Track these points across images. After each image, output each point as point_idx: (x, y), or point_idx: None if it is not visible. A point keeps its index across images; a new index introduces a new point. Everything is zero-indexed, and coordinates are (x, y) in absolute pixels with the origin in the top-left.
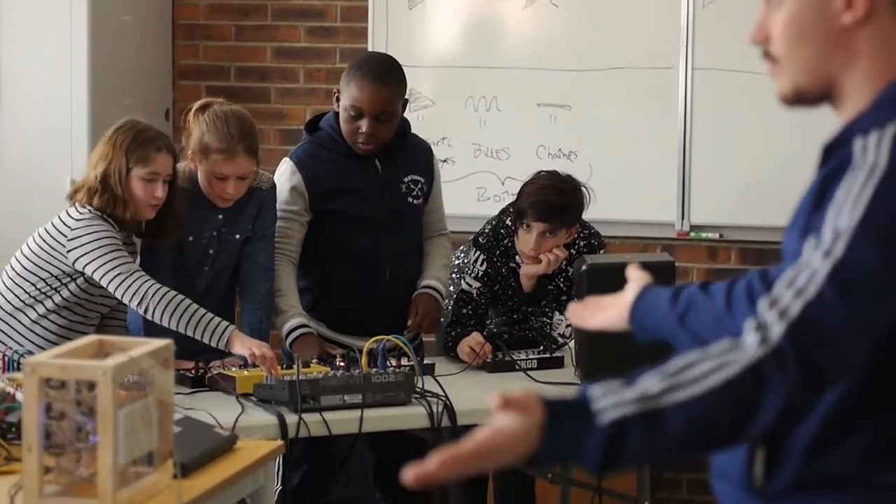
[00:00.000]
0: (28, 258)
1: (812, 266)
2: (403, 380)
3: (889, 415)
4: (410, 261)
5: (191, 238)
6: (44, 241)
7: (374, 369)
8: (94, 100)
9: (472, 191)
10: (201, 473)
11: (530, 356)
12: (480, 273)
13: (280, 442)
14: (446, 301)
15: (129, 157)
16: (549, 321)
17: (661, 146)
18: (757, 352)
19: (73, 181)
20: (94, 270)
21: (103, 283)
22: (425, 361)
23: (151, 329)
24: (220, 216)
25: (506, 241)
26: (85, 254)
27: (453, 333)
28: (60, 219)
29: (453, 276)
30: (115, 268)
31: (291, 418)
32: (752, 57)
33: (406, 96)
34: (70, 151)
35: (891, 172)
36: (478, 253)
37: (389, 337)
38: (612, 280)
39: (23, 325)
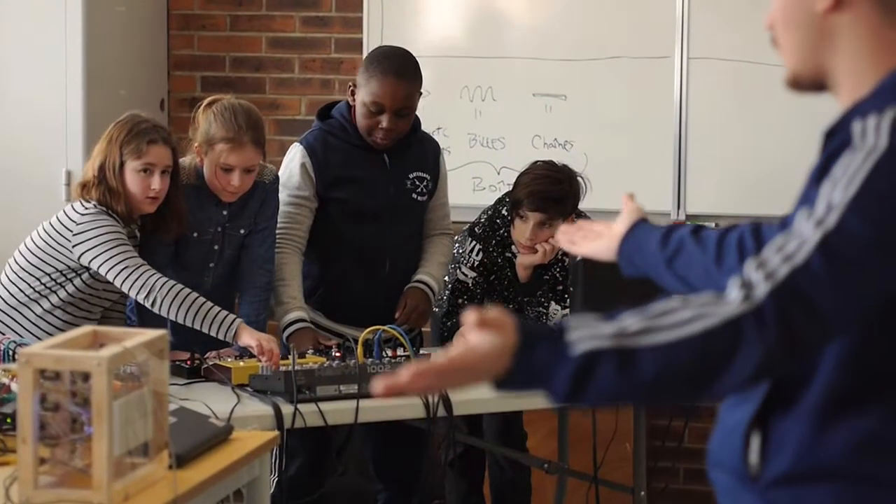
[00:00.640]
0: (33, 253)
1: (803, 235)
2: (399, 370)
3: (880, 407)
4: (411, 255)
5: (195, 234)
6: (49, 235)
7: (370, 360)
8: (88, 91)
9: (467, 180)
10: (197, 464)
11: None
12: (476, 263)
13: (276, 432)
14: (438, 298)
15: (122, 150)
16: (544, 311)
17: (656, 136)
18: (739, 307)
19: (68, 172)
20: (101, 265)
21: (109, 277)
22: (421, 352)
23: (145, 320)
24: (225, 212)
25: (501, 231)
26: (90, 248)
27: (449, 324)
28: (66, 213)
29: (448, 266)
30: (121, 262)
31: (287, 409)
32: (747, 46)
33: (420, 90)
34: (65, 143)
35: (889, 154)
36: (473, 243)
37: (385, 327)
38: (607, 269)
39: (28, 319)
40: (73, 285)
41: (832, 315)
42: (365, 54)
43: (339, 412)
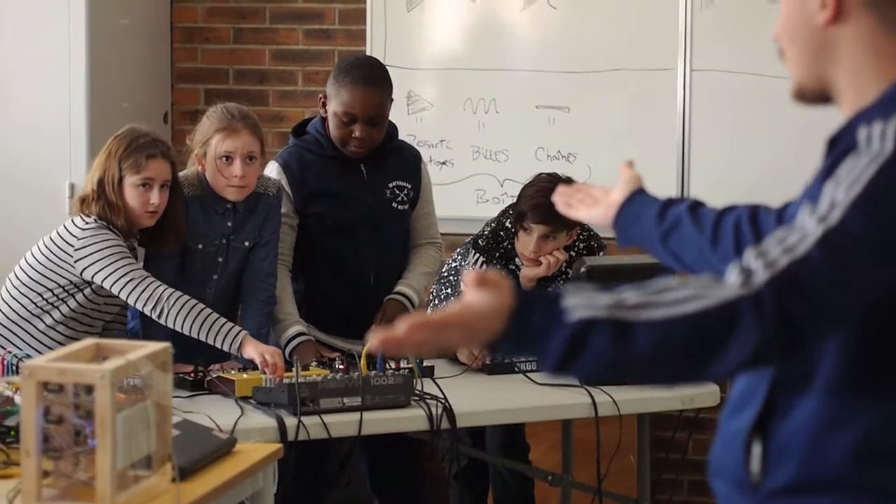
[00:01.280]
0: (34, 268)
1: (805, 229)
2: (402, 382)
3: (880, 413)
4: (396, 266)
5: (200, 246)
6: (50, 251)
7: (374, 372)
8: (92, 103)
9: (471, 193)
10: (200, 477)
11: (530, 358)
12: None
13: (279, 445)
14: (434, 298)
15: (121, 164)
16: None
17: (659, 148)
18: (737, 291)
19: (71, 185)
20: (104, 279)
21: (114, 290)
22: (424, 364)
23: (148, 333)
24: (229, 223)
25: (505, 244)
26: (93, 263)
27: None
28: (66, 229)
29: (451, 277)
30: (125, 275)
31: (290, 421)
32: (750, 59)
33: (391, 96)
34: (69, 155)
35: (894, 158)
36: (477, 255)
37: None
38: (610, 282)
39: (30, 335)
40: (76, 300)
41: (828, 308)
42: None
43: (342, 424)
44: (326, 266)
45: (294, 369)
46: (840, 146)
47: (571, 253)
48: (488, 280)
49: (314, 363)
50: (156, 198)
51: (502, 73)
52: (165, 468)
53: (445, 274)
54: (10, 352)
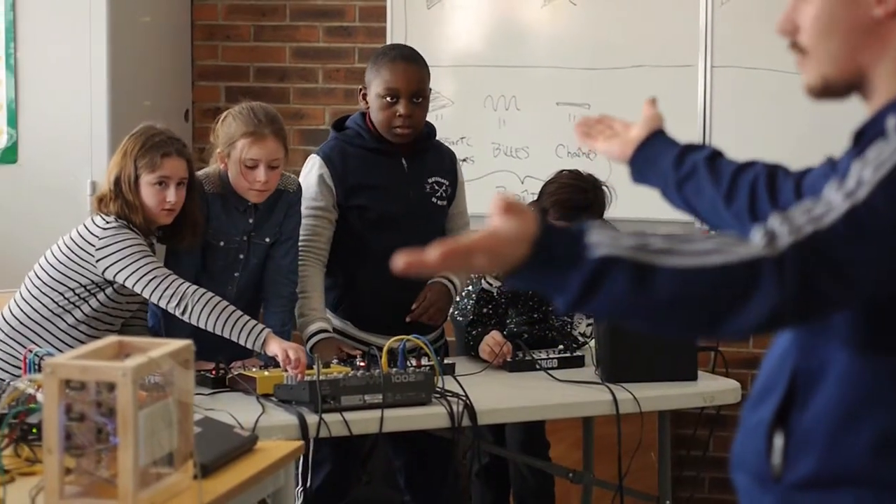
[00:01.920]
0: (54, 267)
1: (831, 203)
2: (423, 380)
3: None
4: None
5: (221, 243)
6: (70, 250)
7: (395, 369)
8: (113, 101)
9: (491, 190)
10: (222, 474)
11: (551, 356)
12: None
13: (300, 442)
14: (458, 298)
15: (137, 163)
16: (569, 320)
17: None
18: (761, 251)
19: (93, 183)
20: (127, 278)
21: (137, 289)
22: (446, 361)
23: (170, 330)
24: (251, 220)
25: None
26: (115, 262)
27: (474, 332)
28: (87, 228)
29: (473, 275)
30: (148, 273)
31: (312, 418)
32: (771, 54)
33: (429, 81)
34: (90, 153)
35: None
36: None
37: (410, 337)
38: None
39: (52, 334)
40: (97, 300)
41: (848, 279)
42: None
43: (363, 422)
44: (367, 259)
45: (315, 366)
46: (868, 136)
47: None
48: (514, 207)
49: (335, 360)
50: (172, 196)
51: (522, 70)
52: (187, 465)
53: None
54: (31, 350)
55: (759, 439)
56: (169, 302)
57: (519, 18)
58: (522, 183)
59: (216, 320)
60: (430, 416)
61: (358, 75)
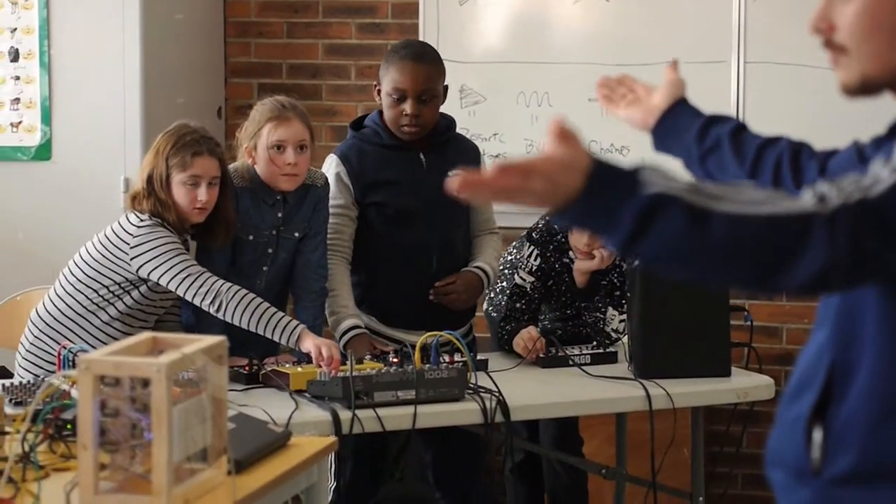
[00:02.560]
0: (89, 265)
1: (878, 176)
2: (456, 376)
3: None
4: (458, 253)
5: (250, 237)
6: (105, 248)
7: (427, 365)
8: (146, 99)
9: None
10: (255, 470)
11: (584, 351)
12: (534, 268)
13: (334, 438)
14: (490, 290)
15: (168, 162)
16: (602, 316)
17: None
18: (813, 207)
19: (126, 180)
20: (161, 276)
21: (171, 286)
22: (478, 357)
23: (202, 327)
24: (279, 214)
25: (559, 237)
26: (149, 260)
27: (508, 328)
28: (121, 226)
29: (506, 271)
30: (182, 271)
31: (345, 415)
32: (804, 50)
33: (446, 83)
34: (123, 150)
35: None
36: (531, 248)
37: (442, 333)
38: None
39: (86, 331)
40: (131, 297)
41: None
42: None
43: (396, 418)
44: (388, 255)
45: (349, 362)
46: None
47: None
48: (569, 135)
49: (368, 356)
50: (203, 195)
51: (555, 66)
52: (221, 461)
53: (501, 268)
54: (65, 346)
55: (798, 434)
56: (203, 299)
57: (550, 14)
58: None
59: (251, 317)
60: (463, 413)
61: None
